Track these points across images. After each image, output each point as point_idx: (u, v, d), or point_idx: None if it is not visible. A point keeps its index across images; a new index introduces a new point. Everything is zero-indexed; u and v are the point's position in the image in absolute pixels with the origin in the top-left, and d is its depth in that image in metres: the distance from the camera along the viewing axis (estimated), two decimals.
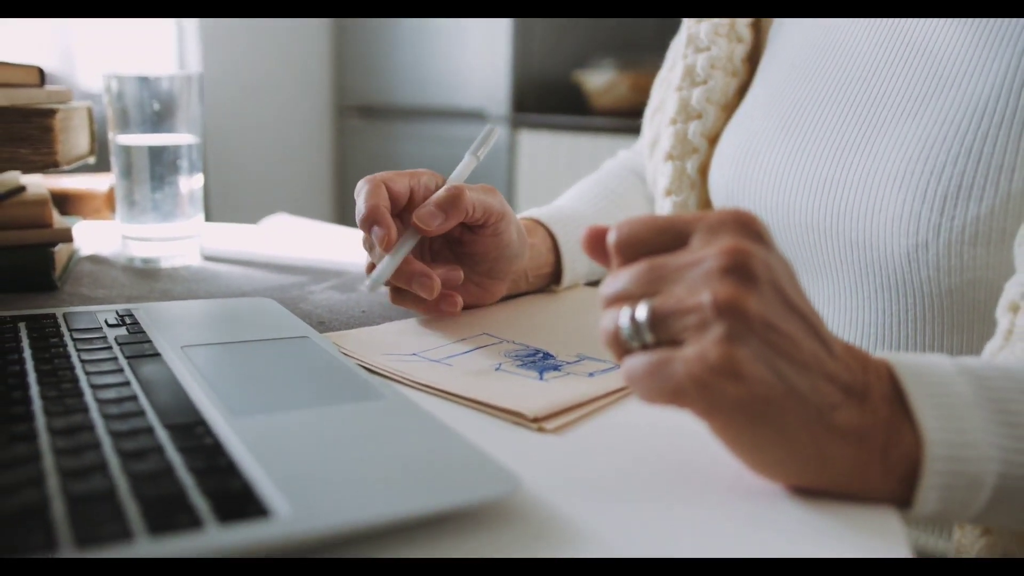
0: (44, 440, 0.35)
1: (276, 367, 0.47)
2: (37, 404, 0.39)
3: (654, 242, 0.36)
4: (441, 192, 0.56)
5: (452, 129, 2.59)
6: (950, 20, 0.58)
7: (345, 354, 0.51)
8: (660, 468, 0.38)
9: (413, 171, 0.59)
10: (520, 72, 2.45)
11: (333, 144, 3.03)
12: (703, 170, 0.77)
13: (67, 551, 0.27)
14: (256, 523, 0.29)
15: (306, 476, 0.33)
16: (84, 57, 2.33)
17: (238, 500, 0.30)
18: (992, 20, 0.56)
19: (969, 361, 0.38)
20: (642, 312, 0.34)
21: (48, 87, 0.72)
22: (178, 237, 0.75)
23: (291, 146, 2.91)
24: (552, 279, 0.70)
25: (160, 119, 0.74)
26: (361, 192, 0.56)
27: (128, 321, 0.53)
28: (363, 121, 2.87)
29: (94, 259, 0.77)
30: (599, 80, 2.38)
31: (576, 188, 0.83)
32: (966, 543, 0.47)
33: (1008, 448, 0.35)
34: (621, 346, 0.35)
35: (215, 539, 0.28)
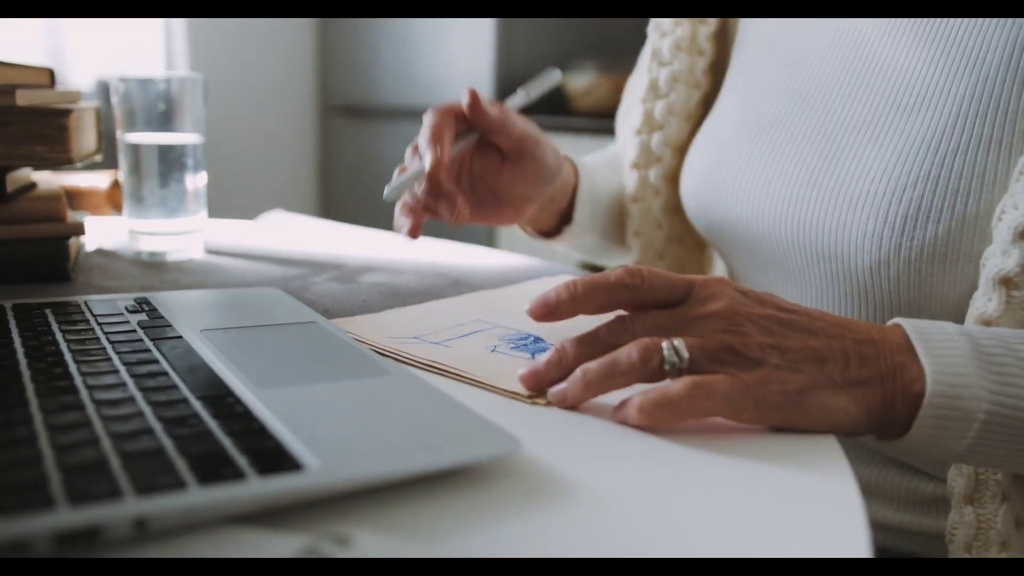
0: (91, 409, 0.38)
1: (290, 348, 0.51)
2: (78, 379, 0.42)
3: (662, 295, 0.46)
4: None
5: None
6: (912, 44, 0.61)
7: (352, 336, 0.55)
8: (645, 434, 0.42)
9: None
10: (503, 73, 2.50)
11: (318, 143, 3.05)
12: (669, 177, 0.82)
13: (130, 499, 0.30)
14: (292, 475, 0.33)
15: (329, 438, 0.37)
16: (73, 57, 2.35)
17: (273, 456, 0.34)
18: (952, 48, 0.59)
19: (968, 326, 0.48)
20: (682, 347, 0.43)
21: (58, 88, 0.76)
22: (183, 232, 0.79)
23: (276, 145, 2.94)
24: (564, 218, 0.81)
25: (166, 119, 0.77)
26: (431, 114, 0.63)
27: (146, 307, 0.57)
28: (348, 121, 2.91)
29: (101, 252, 0.81)
30: (580, 82, 2.43)
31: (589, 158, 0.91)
32: (987, 513, 0.53)
33: (996, 392, 0.44)
34: (652, 370, 0.43)
35: (258, 488, 0.32)
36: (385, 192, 0.64)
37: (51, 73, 0.77)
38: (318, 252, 0.85)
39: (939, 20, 0.61)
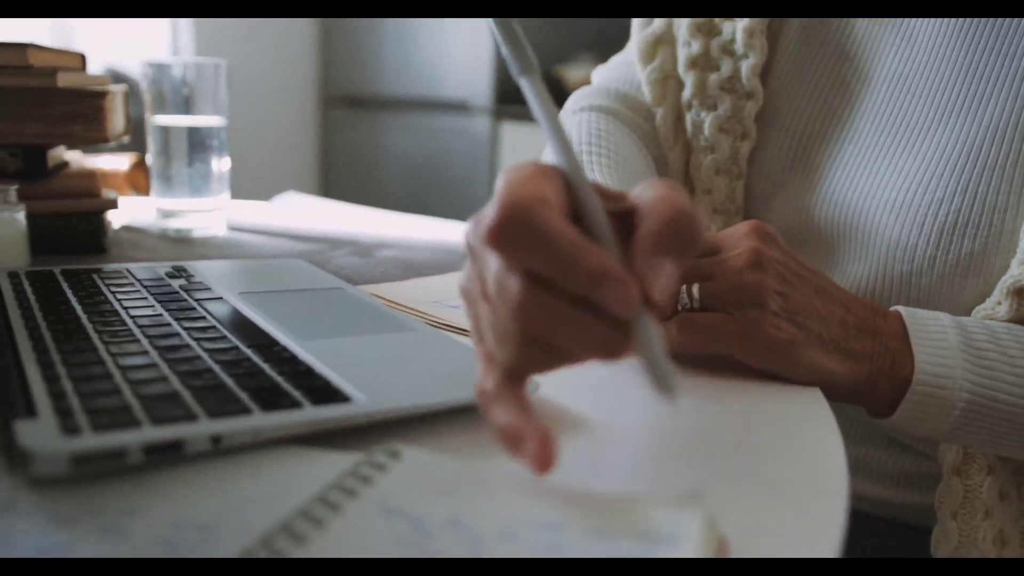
0: (155, 355, 0.43)
1: (323, 308, 0.55)
2: (136, 331, 0.47)
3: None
4: (655, 222, 0.33)
5: (436, 120, 2.67)
6: (954, 51, 0.61)
7: (377, 299, 0.59)
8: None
9: (538, 183, 0.33)
10: (503, 65, 2.53)
11: (319, 133, 3.09)
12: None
13: (205, 421, 0.35)
14: (342, 405, 0.38)
15: (369, 378, 0.41)
16: (80, 45, 2.38)
17: (323, 391, 0.39)
18: (992, 56, 0.59)
19: (963, 318, 0.52)
20: (695, 291, 0.48)
21: (89, 72, 0.80)
22: (208, 210, 0.83)
23: (278, 135, 2.97)
24: None
25: (191, 102, 0.82)
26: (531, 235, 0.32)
27: (184, 274, 0.61)
28: (349, 111, 2.94)
29: (128, 229, 0.85)
30: (579, 74, 2.48)
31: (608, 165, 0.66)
32: (974, 484, 0.58)
33: (977, 383, 0.49)
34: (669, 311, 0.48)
35: (314, 414, 0.36)
36: (669, 395, 0.31)
37: (83, 57, 0.81)
38: (334, 230, 0.89)
39: (981, 27, 0.60)
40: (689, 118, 0.71)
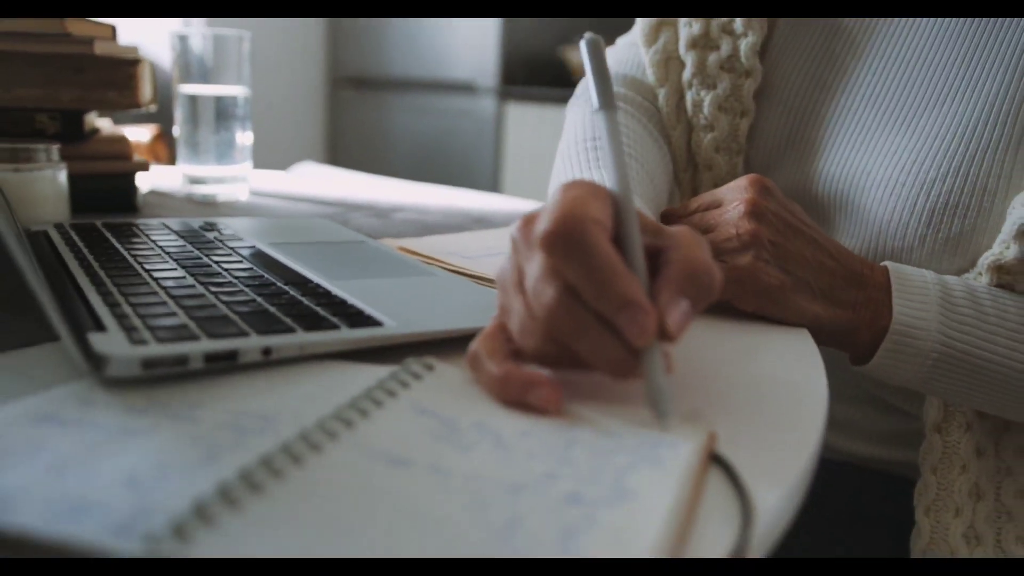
0: (200, 288, 0.47)
1: (348, 256, 0.59)
2: (180, 270, 0.51)
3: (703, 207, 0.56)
4: (680, 272, 0.37)
5: (442, 100, 2.71)
6: (953, 35, 0.61)
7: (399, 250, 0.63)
8: None
9: (594, 204, 0.37)
10: (508, 47, 2.57)
11: (327, 114, 3.13)
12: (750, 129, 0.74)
13: (254, 338, 0.39)
14: (375, 328, 0.42)
15: (396, 307, 0.46)
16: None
17: (358, 316, 0.43)
18: (990, 41, 0.60)
19: (948, 277, 0.56)
20: None
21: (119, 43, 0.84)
22: (232, 176, 0.87)
23: (286, 116, 3.01)
24: None
25: (216, 73, 0.86)
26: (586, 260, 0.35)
27: (217, 228, 0.66)
28: (356, 92, 2.98)
29: (155, 193, 0.89)
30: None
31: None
32: (953, 440, 0.62)
33: (950, 336, 0.53)
34: None
35: (351, 335, 0.41)
36: (662, 422, 0.35)
37: (114, 29, 0.85)
38: (351, 195, 0.93)
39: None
40: (689, 97, 0.72)
